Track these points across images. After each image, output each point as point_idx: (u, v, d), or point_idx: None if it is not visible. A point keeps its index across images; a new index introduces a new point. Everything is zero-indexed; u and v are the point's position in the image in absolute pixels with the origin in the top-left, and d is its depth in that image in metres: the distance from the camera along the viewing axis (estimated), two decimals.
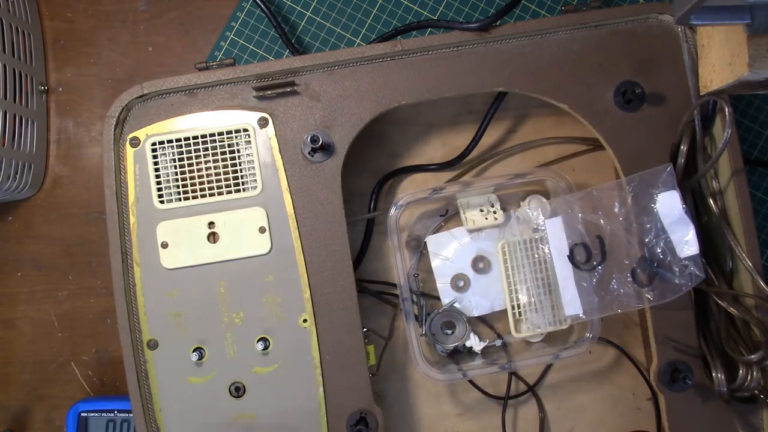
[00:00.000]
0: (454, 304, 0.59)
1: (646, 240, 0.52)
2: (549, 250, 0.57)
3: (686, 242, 0.51)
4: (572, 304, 0.55)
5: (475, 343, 0.58)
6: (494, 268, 0.59)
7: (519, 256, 0.58)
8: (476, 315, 0.59)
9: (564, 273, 0.56)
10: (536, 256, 0.58)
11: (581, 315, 0.55)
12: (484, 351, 0.59)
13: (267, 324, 0.54)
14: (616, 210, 0.54)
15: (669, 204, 0.52)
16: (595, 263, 0.55)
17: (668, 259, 0.52)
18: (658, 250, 0.52)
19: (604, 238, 0.54)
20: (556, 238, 0.56)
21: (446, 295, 0.60)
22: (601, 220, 0.54)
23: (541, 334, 0.59)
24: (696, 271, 0.51)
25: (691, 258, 0.51)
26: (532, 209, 0.59)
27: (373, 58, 0.55)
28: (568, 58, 0.56)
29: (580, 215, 0.55)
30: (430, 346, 0.60)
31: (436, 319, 0.58)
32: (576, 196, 0.56)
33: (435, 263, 0.60)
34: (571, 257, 0.56)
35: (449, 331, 0.59)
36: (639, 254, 0.53)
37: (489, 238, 0.60)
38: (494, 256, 0.59)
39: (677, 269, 0.51)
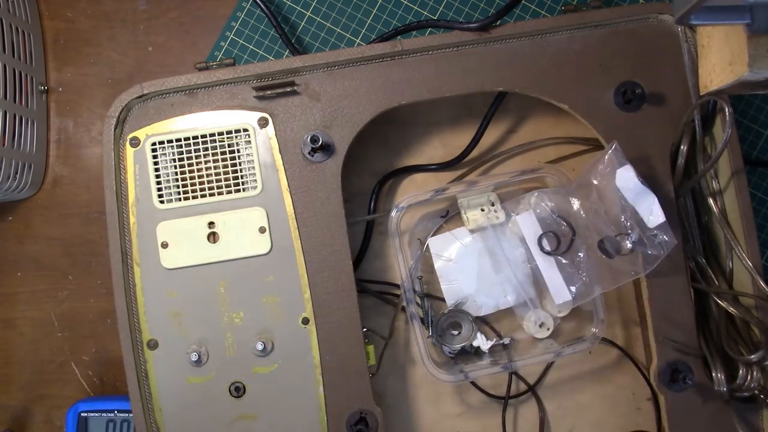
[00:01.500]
0: (459, 304, 0.59)
1: (621, 219, 0.53)
2: (527, 246, 0.57)
3: (652, 212, 0.52)
4: (560, 293, 0.56)
5: (482, 342, 0.58)
6: (497, 266, 0.59)
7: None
8: (482, 314, 0.59)
9: (545, 264, 0.56)
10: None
11: (571, 300, 0.55)
12: (491, 350, 0.59)
13: (267, 324, 0.54)
14: (587, 198, 0.54)
15: (626, 179, 0.52)
16: (566, 248, 0.55)
17: (639, 232, 0.52)
18: (628, 225, 0.52)
19: (572, 223, 0.55)
20: (531, 232, 0.57)
21: (450, 296, 0.60)
22: (573, 207, 0.55)
23: (548, 329, 0.59)
24: (665, 237, 0.51)
25: (659, 226, 0.52)
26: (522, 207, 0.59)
27: (373, 58, 0.55)
28: (568, 58, 0.56)
29: (551, 204, 0.56)
30: (435, 348, 0.60)
31: (443, 320, 0.58)
32: (550, 191, 0.57)
33: (437, 264, 0.60)
34: (540, 246, 0.56)
35: (456, 332, 0.59)
36: (613, 234, 0.53)
37: (490, 237, 0.60)
38: (496, 255, 0.59)
39: (647, 240, 0.52)
